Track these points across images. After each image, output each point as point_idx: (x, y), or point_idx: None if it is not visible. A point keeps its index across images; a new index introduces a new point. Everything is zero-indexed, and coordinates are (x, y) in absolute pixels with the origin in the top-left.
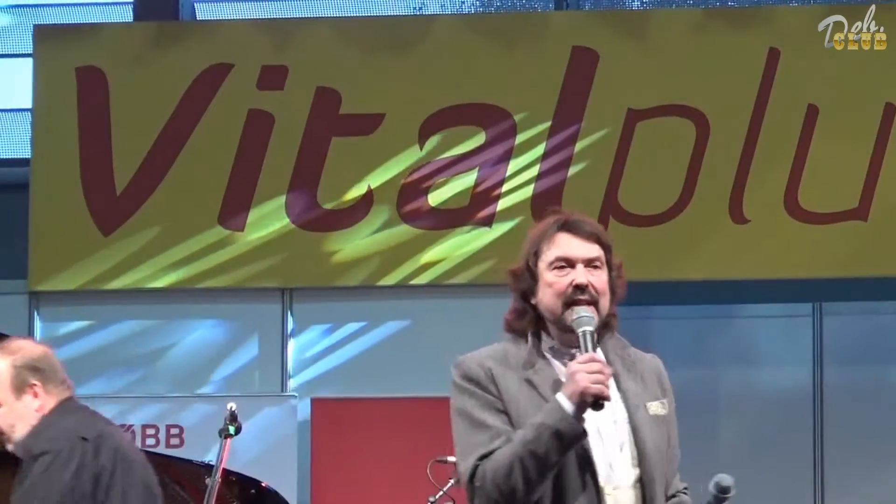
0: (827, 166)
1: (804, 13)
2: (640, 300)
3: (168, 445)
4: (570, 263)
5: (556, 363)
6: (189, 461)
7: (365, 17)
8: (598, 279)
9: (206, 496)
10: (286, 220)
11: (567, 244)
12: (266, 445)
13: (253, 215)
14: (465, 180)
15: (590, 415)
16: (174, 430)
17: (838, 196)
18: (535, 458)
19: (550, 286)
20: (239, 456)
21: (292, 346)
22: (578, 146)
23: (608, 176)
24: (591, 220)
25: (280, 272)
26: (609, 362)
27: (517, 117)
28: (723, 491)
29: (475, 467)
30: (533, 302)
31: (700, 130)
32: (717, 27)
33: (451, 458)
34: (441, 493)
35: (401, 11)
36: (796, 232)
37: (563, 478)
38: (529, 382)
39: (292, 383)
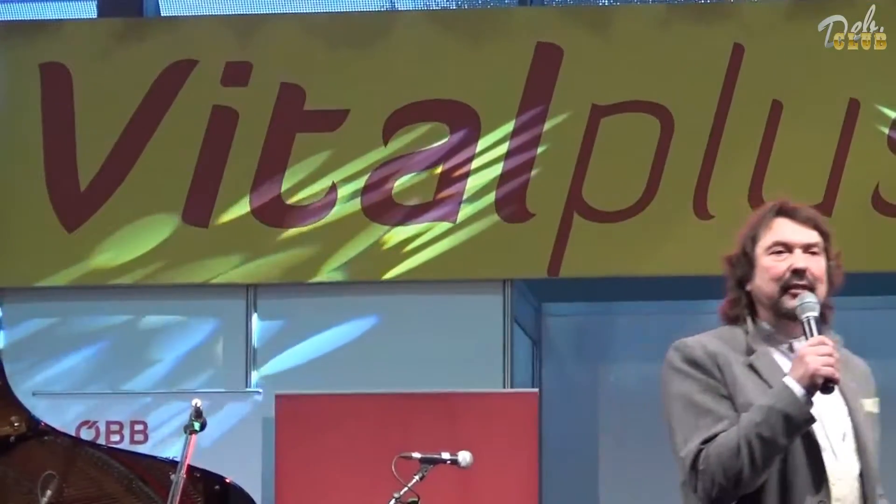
0: (791, 161)
1: (769, 9)
2: (605, 296)
3: (132, 442)
4: (787, 248)
5: (774, 349)
6: (153, 457)
7: (330, 12)
8: (817, 265)
9: (171, 492)
10: (251, 217)
11: (785, 229)
12: (230, 441)
13: (217, 211)
14: (430, 176)
15: (815, 401)
16: (138, 427)
17: (802, 191)
18: (763, 440)
19: (768, 271)
20: (203, 452)
21: (257, 342)
22: (543, 142)
23: (572, 171)
24: (809, 207)
25: (244, 268)
26: None
27: (482, 113)
28: None
29: (699, 451)
30: (748, 288)
31: (664, 126)
32: (682, 22)
33: (416, 455)
34: (406, 489)
35: (367, 7)
36: None
37: (790, 463)
38: (752, 367)
39: (257, 379)
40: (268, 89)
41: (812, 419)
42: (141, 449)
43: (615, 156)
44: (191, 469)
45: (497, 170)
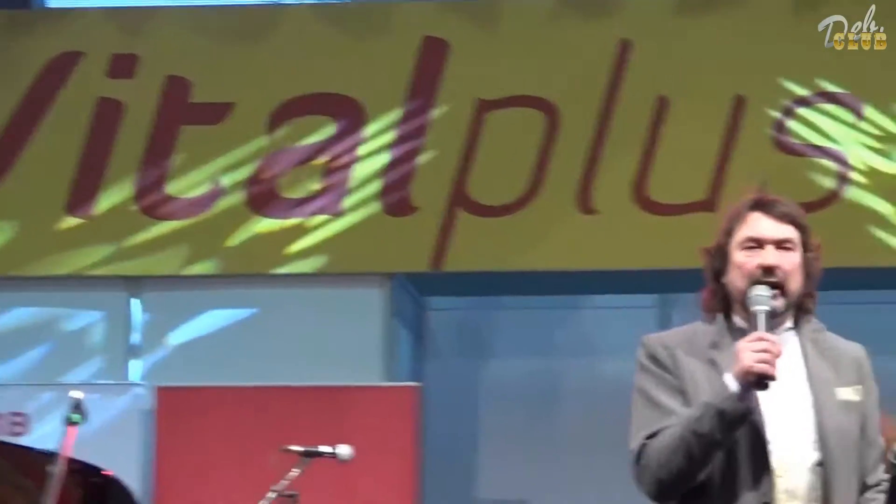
0: (676, 157)
1: (655, 4)
2: (487, 291)
3: (12, 433)
4: (759, 244)
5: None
6: (32, 449)
7: (216, 6)
8: (788, 261)
9: (49, 485)
10: (135, 209)
11: (758, 224)
12: (111, 434)
13: (101, 203)
14: (315, 169)
15: (771, 394)
16: (17, 419)
17: (687, 187)
18: (698, 436)
19: (740, 267)
20: (83, 444)
21: (137, 334)
22: (428, 136)
23: (457, 166)
24: (788, 201)
25: (127, 260)
26: (801, 345)
27: (367, 107)
28: None
29: (642, 446)
30: (723, 282)
31: (549, 121)
32: (569, 18)
33: (296, 448)
34: (285, 481)
35: (253, 1)
36: (644, 223)
37: (733, 455)
38: (712, 362)
39: (137, 372)
40: (154, 81)
41: (746, 414)
42: (20, 441)
43: (500, 150)
44: (70, 461)
45: (381, 163)
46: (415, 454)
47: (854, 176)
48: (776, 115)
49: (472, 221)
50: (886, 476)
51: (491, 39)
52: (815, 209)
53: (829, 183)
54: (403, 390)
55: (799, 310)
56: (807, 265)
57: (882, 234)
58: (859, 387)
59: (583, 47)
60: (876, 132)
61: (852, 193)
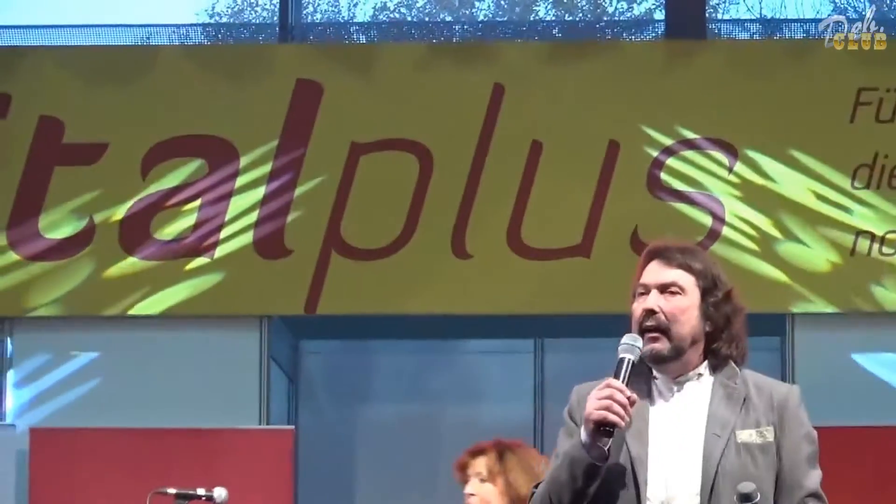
0: (550, 202)
1: (529, 49)
2: (362, 334)
3: None
4: (646, 290)
5: (655, 392)
6: None
7: (90, 46)
8: (672, 304)
9: None
10: (8, 249)
11: (648, 271)
12: None
13: None
14: (189, 211)
15: (663, 439)
16: None
17: (561, 232)
18: (558, 484)
19: (632, 314)
20: None
21: (11, 375)
22: (302, 178)
23: (331, 209)
24: (686, 246)
25: (1, 301)
26: (712, 391)
27: (241, 149)
28: (745, 498)
29: (531, 495)
30: None
31: (424, 165)
32: (442, 62)
33: (171, 490)
34: None
35: (127, 41)
36: (519, 267)
37: (612, 497)
38: None
39: (11, 413)
40: (26, 122)
41: (596, 462)
42: None
43: (374, 194)
44: None
45: (256, 206)
46: (290, 497)
47: (726, 223)
48: (650, 160)
49: (347, 265)
50: None
51: (365, 83)
52: None
53: (701, 230)
54: (278, 433)
55: (715, 357)
56: (705, 310)
57: (753, 280)
58: (770, 427)
59: (456, 92)
60: (747, 180)
61: (725, 239)
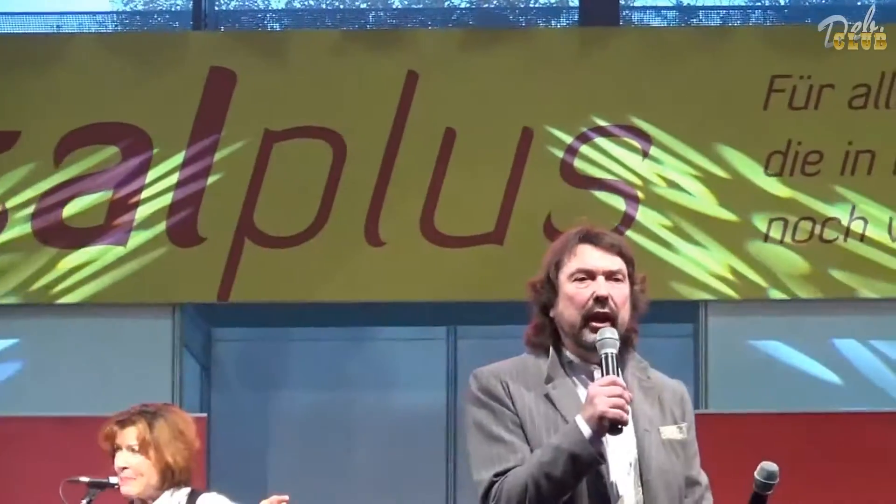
0: (463, 190)
1: (442, 37)
2: (276, 322)
3: None
4: (590, 275)
5: (575, 379)
6: None
7: (1, 34)
8: (619, 292)
9: None
10: None
11: (588, 256)
12: None
13: None
14: (101, 198)
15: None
16: None
17: (474, 220)
18: (551, 480)
19: (571, 298)
20: None
21: None
22: (215, 166)
23: (244, 196)
24: (613, 234)
25: None
26: (626, 383)
27: (154, 136)
28: (769, 476)
29: (491, 484)
30: (552, 315)
31: (337, 152)
32: (355, 49)
33: (84, 479)
34: None
35: (38, 29)
36: (432, 255)
37: (576, 497)
38: (547, 398)
39: None
40: None
41: (600, 460)
42: None
43: (287, 181)
44: None
45: (169, 194)
46: (203, 485)
47: (640, 210)
48: (563, 147)
49: (260, 252)
50: None
51: (278, 70)
52: None
53: (615, 216)
54: None
55: (623, 343)
56: (634, 298)
57: (669, 269)
58: (683, 424)
59: (369, 79)
60: (662, 167)
61: (639, 226)
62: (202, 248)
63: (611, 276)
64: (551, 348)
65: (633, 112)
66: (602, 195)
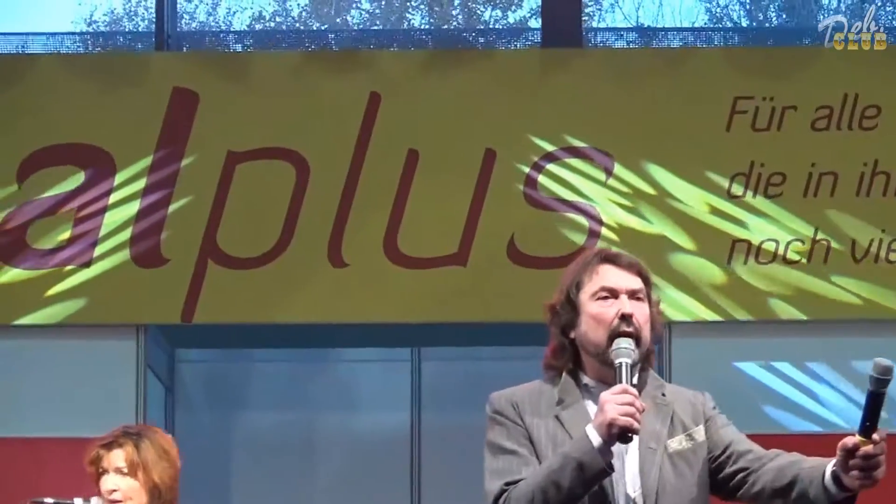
0: (427, 211)
1: (405, 58)
2: (240, 343)
3: None
4: (613, 294)
5: (591, 402)
6: None
7: None
8: (642, 311)
9: None
10: None
11: (611, 275)
12: None
13: None
14: (64, 219)
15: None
16: None
17: (438, 241)
18: (558, 488)
19: (595, 317)
20: None
21: None
22: (178, 187)
23: (208, 218)
24: (630, 255)
25: None
26: (643, 401)
27: (118, 156)
28: (884, 372)
29: (502, 491)
30: (572, 336)
31: (300, 174)
32: (317, 70)
33: (48, 500)
34: None
35: (2, 50)
36: (395, 276)
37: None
38: (557, 419)
39: None
40: None
41: (609, 469)
42: None
43: (250, 202)
44: None
45: (131, 213)
46: None
47: (604, 232)
48: (526, 169)
49: (223, 273)
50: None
51: (240, 91)
52: (564, 264)
53: (578, 238)
54: None
55: (644, 361)
56: (652, 318)
57: None
58: (695, 428)
59: (332, 100)
60: (625, 189)
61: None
62: (166, 269)
63: (633, 294)
64: (564, 372)
65: (596, 133)
66: (565, 216)
